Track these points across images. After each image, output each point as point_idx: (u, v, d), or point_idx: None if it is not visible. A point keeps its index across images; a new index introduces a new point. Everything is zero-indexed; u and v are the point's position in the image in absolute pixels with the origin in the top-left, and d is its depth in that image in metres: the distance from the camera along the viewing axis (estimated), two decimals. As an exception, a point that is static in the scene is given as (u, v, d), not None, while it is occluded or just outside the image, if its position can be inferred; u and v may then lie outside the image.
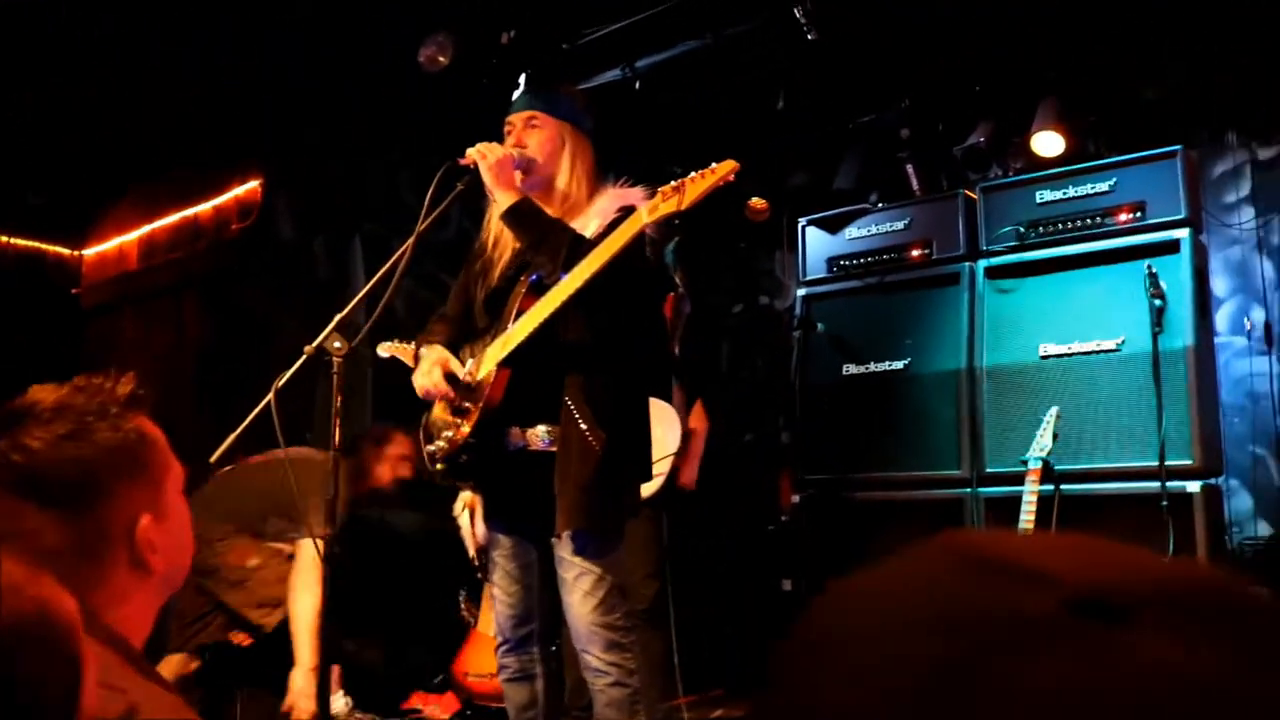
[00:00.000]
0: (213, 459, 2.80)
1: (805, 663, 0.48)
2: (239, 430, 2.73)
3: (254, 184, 4.96)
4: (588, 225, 2.83)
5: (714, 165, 2.61)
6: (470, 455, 2.80)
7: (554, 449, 2.74)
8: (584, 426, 2.70)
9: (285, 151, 5.05)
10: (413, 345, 4.19)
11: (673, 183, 2.63)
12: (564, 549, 2.73)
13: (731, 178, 2.60)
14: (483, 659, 4.74)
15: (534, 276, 2.83)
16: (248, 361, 4.58)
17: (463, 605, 4.95)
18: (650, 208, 2.63)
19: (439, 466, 2.87)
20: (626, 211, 2.75)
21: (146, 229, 5.40)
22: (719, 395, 6.30)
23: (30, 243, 5.67)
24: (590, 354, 2.76)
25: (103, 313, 5.59)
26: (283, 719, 3.65)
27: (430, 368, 2.84)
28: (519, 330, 2.75)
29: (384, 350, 4.35)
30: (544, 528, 2.77)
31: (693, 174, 2.62)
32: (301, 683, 3.65)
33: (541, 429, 2.77)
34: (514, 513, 2.88)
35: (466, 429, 2.78)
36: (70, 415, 1.33)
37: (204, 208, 5.14)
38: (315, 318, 2.81)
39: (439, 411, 2.91)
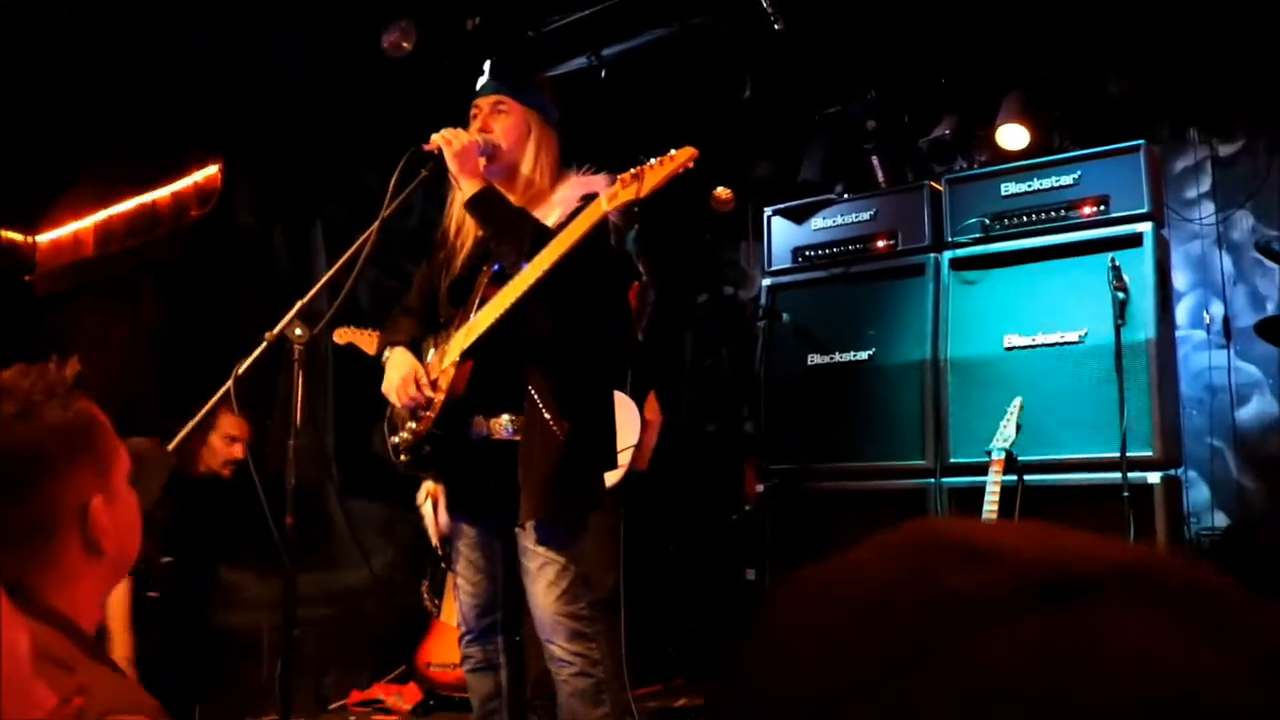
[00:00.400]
0: (171, 446, 2.76)
1: (759, 652, 0.47)
2: (198, 417, 2.69)
3: (213, 170, 4.88)
4: (550, 214, 2.81)
5: (672, 152, 2.60)
6: (433, 446, 2.78)
7: (518, 438, 2.72)
8: (547, 416, 2.69)
9: (245, 137, 4.98)
10: (371, 332, 4.17)
11: (632, 170, 2.62)
12: (528, 539, 2.72)
13: (691, 164, 2.59)
14: (445, 649, 4.71)
15: (496, 266, 2.80)
16: (206, 350, 4.51)
17: (425, 596, 4.92)
18: (610, 195, 2.62)
19: (403, 458, 2.85)
20: (588, 199, 2.74)
21: (103, 215, 5.30)
22: (679, 386, 6.31)
23: (-18, 227, 5.56)
24: (553, 344, 2.74)
25: (58, 301, 5.49)
26: None
27: (401, 382, 2.80)
28: (481, 320, 2.73)
29: (340, 337, 4.29)
30: (508, 517, 2.75)
31: (651, 161, 2.61)
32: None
33: (505, 418, 2.75)
34: (478, 502, 2.86)
35: (430, 419, 2.76)
36: (17, 396, 1.31)
37: (162, 194, 5.06)
38: (275, 306, 2.77)
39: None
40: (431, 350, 2.85)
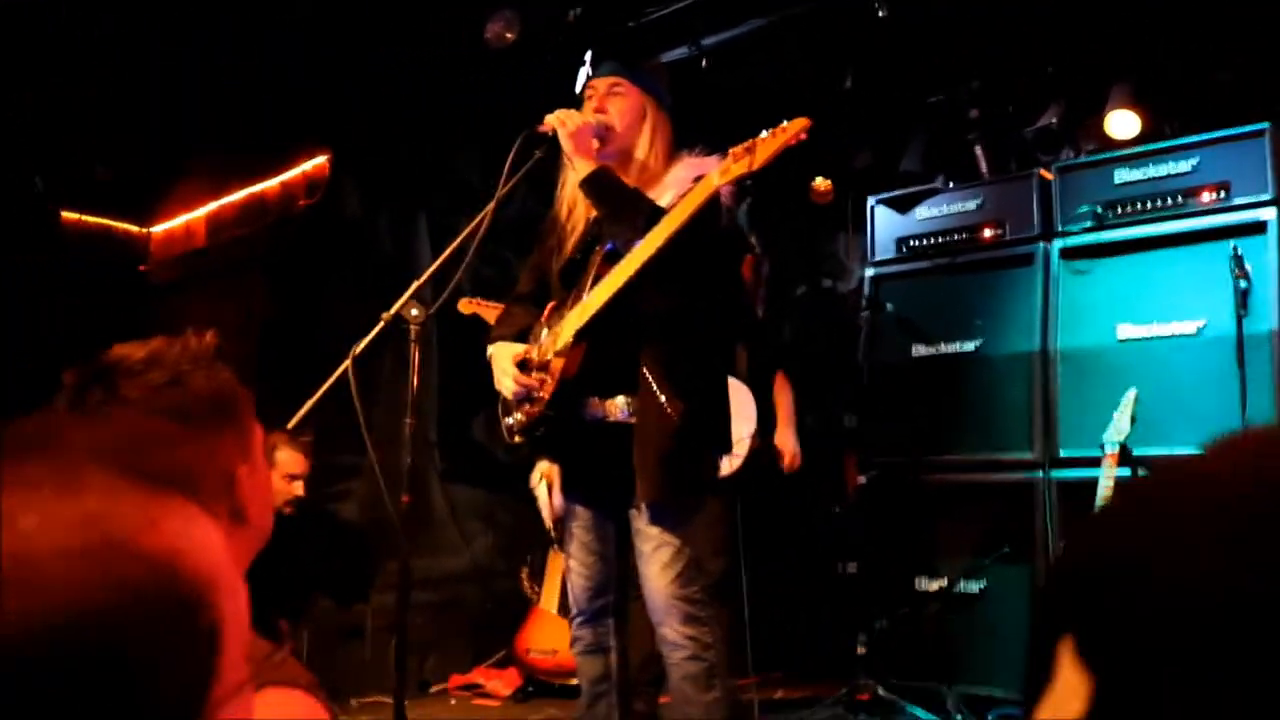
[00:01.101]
0: (290, 425, 2.81)
1: (1135, 552, 0.46)
2: (316, 396, 2.74)
3: (322, 160, 4.97)
4: (663, 195, 2.79)
5: (784, 123, 2.56)
6: (548, 428, 2.78)
7: (633, 420, 2.72)
8: (662, 398, 2.67)
9: (352, 128, 5.06)
10: (497, 304, 4.20)
11: (744, 143, 2.59)
12: (642, 520, 2.71)
13: (804, 135, 2.55)
14: (545, 635, 4.74)
15: (609, 246, 2.80)
16: (312, 339, 4.60)
17: (525, 582, 4.96)
18: (722, 170, 2.59)
19: (517, 439, 2.86)
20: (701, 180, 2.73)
21: (214, 206, 5.43)
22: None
23: (98, 219, 5.73)
24: (668, 323, 2.72)
25: (170, 290, 5.64)
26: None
27: (505, 376, 2.83)
28: (594, 300, 2.72)
29: (465, 307, 4.34)
30: (622, 499, 2.74)
31: (764, 133, 2.58)
32: None
33: (620, 400, 2.74)
34: (592, 484, 2.85)
35: (544, 402, 2.76)
36: (165, 365, 1.31)
37: (271, 184, 5.16)
38: (379, 295, 2.81)
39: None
40: (545, 332, 2.85)
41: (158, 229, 5.79)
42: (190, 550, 0.71)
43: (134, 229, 5.83)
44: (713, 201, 2.61)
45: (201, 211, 5.51)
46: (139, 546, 0.66)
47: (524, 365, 2.84)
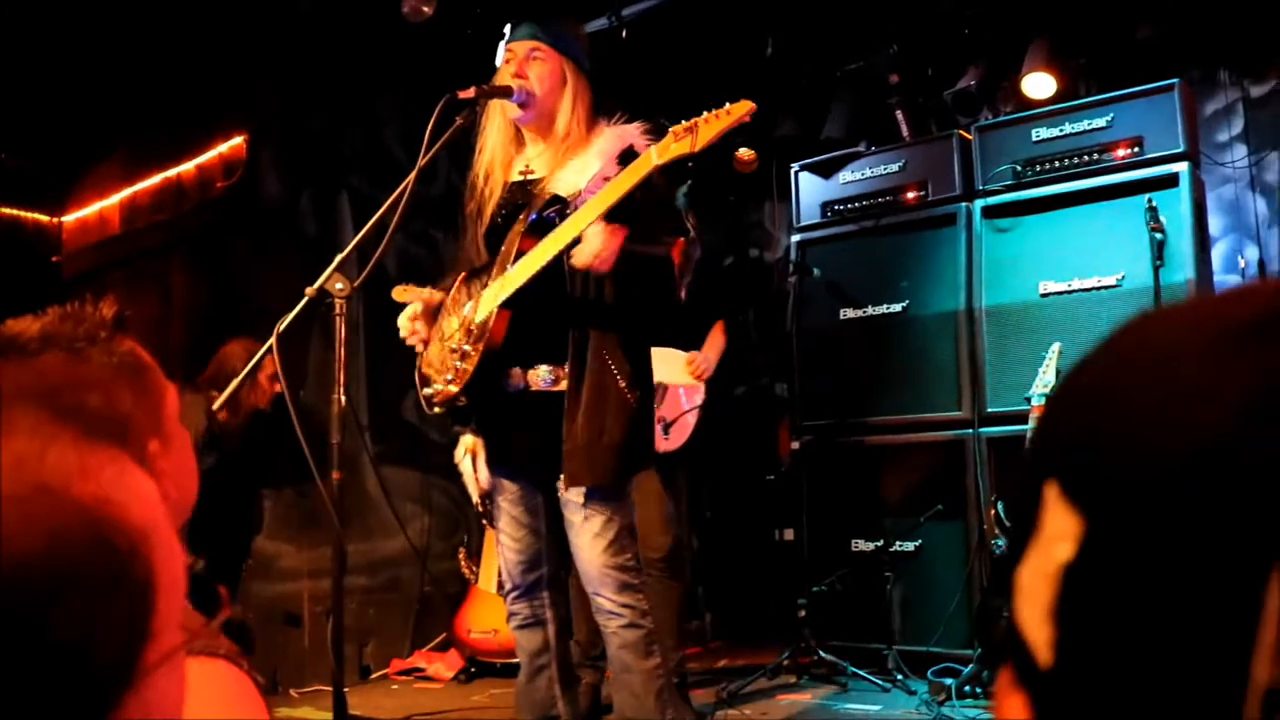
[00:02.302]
0: (215, 407, 2.75)
1: (1117, 385, 0.46)
2: (240, 376, 2.69)
3: (238, 141, 4.86)
4: (589, 165, 2.76)
5: (728, 105, 2.54)
6: (470, 397, 2.74)
7: (556, 389, 2.70)
8: (622, 384, 2.67)
9: (269, 107, 4.96)
10: (433, 290, 4.14)
11: (684, 123, 2.56)
12: (571, 492, 2.69)
13: (748, 118, 2.53)
14: (485, 615, 4.71)
15: (533, 216, 2.77)
16: (237, 321, 4.50)
17: (463, 562, 4.92)
18: (661, 149, 2.56)
19: (437, 410, 2.82)
20: (628, 155, 2.71)
21: (128, 192, 5.29)
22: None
23: (8, 210, 5.56)
24: (621, 303, 2.71)
25: (86, 280, 5.49)
26: None
27: (405, 317, 2.85)
28: (519, 273, 2.69)
29: (400, 295, 4.26)
30: (550, 471, 2.72)
31: (706, 114, 2.55)
32: None
33: (543, 369, 2.72)
34: (519, 456, 2.82)
35: (467, 371, 2.73)
36: (60, 343, 1.25)
37: (187, 167, 5.04)
38: (304, 276, 2.75)
39: (435, 353, 2.85)
40: (468, 302, 2.82)
41: (70, 218, 5.63)
42: (125, 500, 0.68)
43: (45, 218, 5.67)
44: (648, 179, 2.59)
45: (115, 198, 5.37)
46: (71, 493, 0.63)
47: (443, 336, 2.81)
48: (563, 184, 2.75)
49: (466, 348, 2.75)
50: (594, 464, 2.64)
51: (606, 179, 2.67)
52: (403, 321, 2.85)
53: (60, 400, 0.84)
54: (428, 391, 2.84)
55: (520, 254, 2.70)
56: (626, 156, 2.75)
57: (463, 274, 2.89)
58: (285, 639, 4.74)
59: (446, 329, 2.84)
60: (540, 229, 2.71)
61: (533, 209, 2.76)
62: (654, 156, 2.56)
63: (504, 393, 2.75)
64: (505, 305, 2.69)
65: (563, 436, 2.66)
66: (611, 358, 2.68)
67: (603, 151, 2.77)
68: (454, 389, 2.75)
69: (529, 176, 2.85)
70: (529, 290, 2.67)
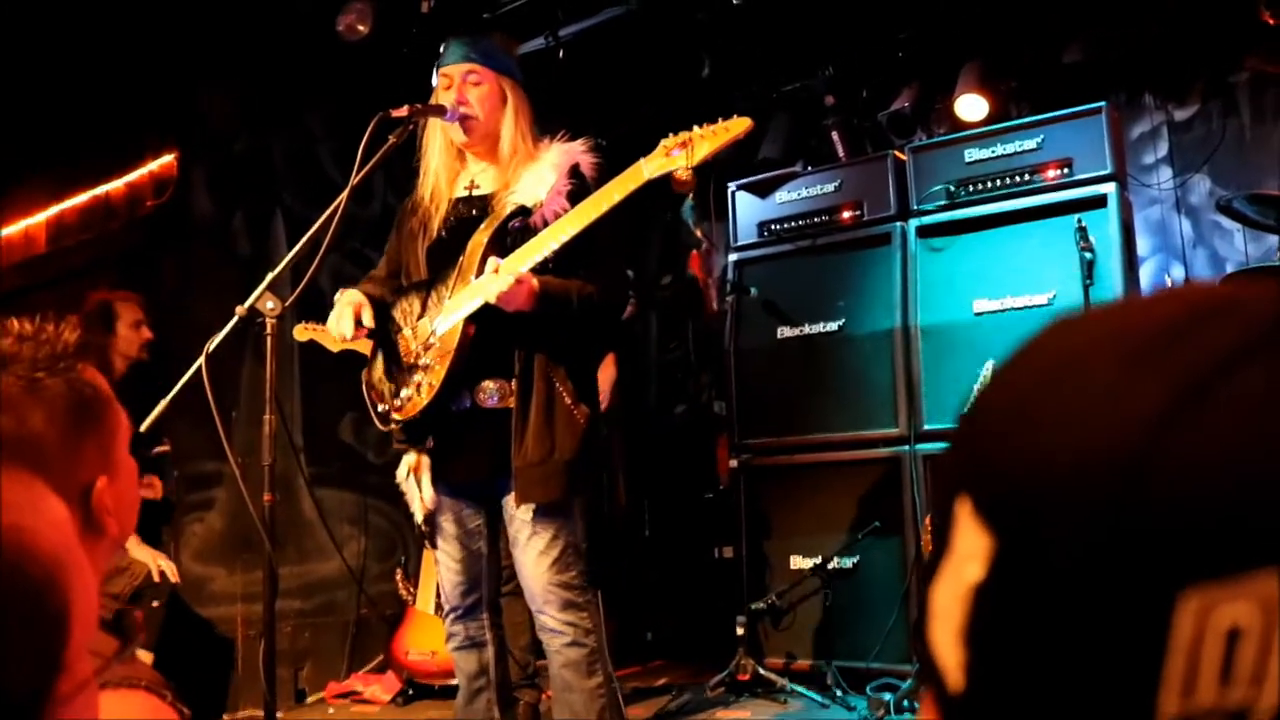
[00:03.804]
0: (142, 428, 2.69)
1: (1027, 398, 0.44)
2: (169, 397, 2.63)
3: (169, 159, 4.79)
4: (543, 177, 2.76)
5: (725, 122, 2.56)
6: (430, 414, 2.71)
7: (503, 405, 2.68)
8: (568, 401, 2.66)
9: (201, 125, 4.89)
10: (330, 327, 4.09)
11: (678, 137, 2.57)
12: (518, 509, 2.67)
13: (743, 136, 2.56)
14: (422, 637, 4.66)
15: (513, 224, 2.73)
16: (169, 341, 4.42)
17: (400, 584, 4.86)
18: (651, 162, 2.57)
19: (394, 426, 2.77)
20: (575, 169, 2.73)
21: (55, 210, 5.19)
22: (646, 368, 6.29)
23: (-72, 228, 5.43)
24: (575, 314, 2.70)
25: (12, 299, 5.37)
26: None
27: (344, 308, 2.74)
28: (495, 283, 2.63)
29: (301, 334, 4.22)
30: (495, 489, 2.71)
31: (700, 129, 2.57)
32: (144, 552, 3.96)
33: (489, 385, 2.71)
34: (464, 474, 2.80)
35: (433, 385, 2.68)
36: (18, 369, 1.16)
37: (116, 185, 4.95)
38: (237, 295, 2.70)
39: (386, 369, 2.82)
40: (411, 314, 2.79)
41: (-6, 236, 5.51)
42: (37, 528, 0.65)
43: (-32, 237, 5.54)
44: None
45: (41, 216, 5.26)
46: None
47: (393, 351, 2.78)
48: (521, 196, 2.75)
49: (427, 361, 2.71)
50: (545, 480, 2.63)
51: (564, 192, 2.69)
52: (346, 319, 2.73)
53: None
54: (383, 407, 2.80)
55: (483, 266, 2.66)
56: (575, 173, 2.76)
57: (407, 288, 2.85)
58: (219, 663, 4.65)
59: (402, 344, 2.81)
60: (507, 238, 2.70)
61: (496, 220, 2.74)
62: (644, 171, 2.56)
63: (448, 411, 2.73)
64: (473, 319, 2.66)
65: (511, 454, 2.64)
66: (556, 375, 2.67)
67: (555, 165, 2.79)
68: (421, 402, 2.70)
69: (475, 192, 2.84)
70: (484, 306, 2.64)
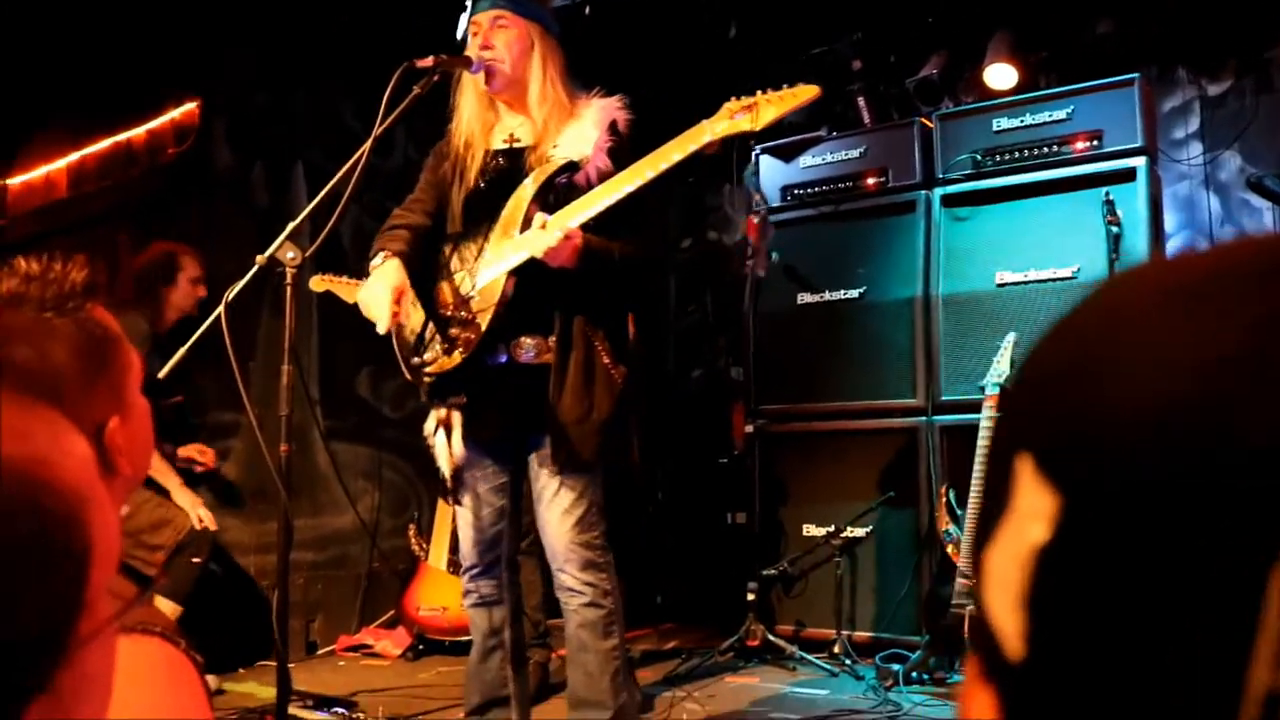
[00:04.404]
0: (161, 375, 2.69)
1: (1090, 348, 0.42)
2: (188, 345, 2.62)
3: (190, 107, 4.76)
4: (586, 133, 2.73)
5: (791, 88, 2.54)
6: (465, 368, 2.68)
7: (539, 362, 2.66)
8: (607, 360, 2.64)
9: (223, 74, 4.86)
10: (350, 280, 4.07)
11: (743, 100, 2.55)
12: (545, 464, 2.65)
13: (809, 103, 2.53)
14: (434, 593, 4.68)
15: (562, 179, 2.69)
16: (186, 292, 4.41)
17: (413, 539, 4.88)
18: (715, 123, 2.55)
19: (427, 379, 2.74)
20: (614, 126, 2.70)
21: (76, 156, 5.17)
22: (664, 331, 6.27)
23: (-51, 172, 5.42)
24: (617, 272, 2.67)
25: (32, 244, 5.36)
26: None
27: (391, 294, 2.58)
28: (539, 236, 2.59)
29: (317, 284, 4.21)
30: (525, 445, 2.69)
31: (766, 93, 2.54)
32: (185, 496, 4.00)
33: (527, 341, 2.68)
34: (496, 430, 2.76)
35: (472, 340, 2.65)
36: (26, 309, 1.15)
37: (137, 132, 4.93)
38: (256, 246, 2.68)
39: (423, 320, 2.78)
40: (453, 269, 2.75)
41: (15, 181, 5.50)
42: (60, 462, 0.64)
43: (-11, 181, 5.53)
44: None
45: (63, 162, 5.24)
46: (3, 454, 0.60)
47: (433, 302, 2.75)
48: (566, 151, 2.72)
49: (465, 314, 2.68)
50: (581, 439, 2.60)
51: (605, 148, 2.66)
52: (384, 306, 2.57)
53: None
54: (416, 360, 2.76)
55: (528, 220, 2.63)
56: (614, 129, 2.74)
57: (444, 238, 2.81)
58: (235, 614, 4.68)
59: (438, 296, 2.77)
60: (551, 194, 2.67)
61: (543, 175, 2.70)
62: (707, 131, 2.54)
63: (485, 365, 2.70)
64: (516, 271, 2.63)
65: (545, 410, 2.62)
66: (595, 335, 2.65)
67: (597, 121, 2.75)
68: (458, 357, 2.67)
69: (516, 145, 2.81)
70: (528, 260, 2.61)
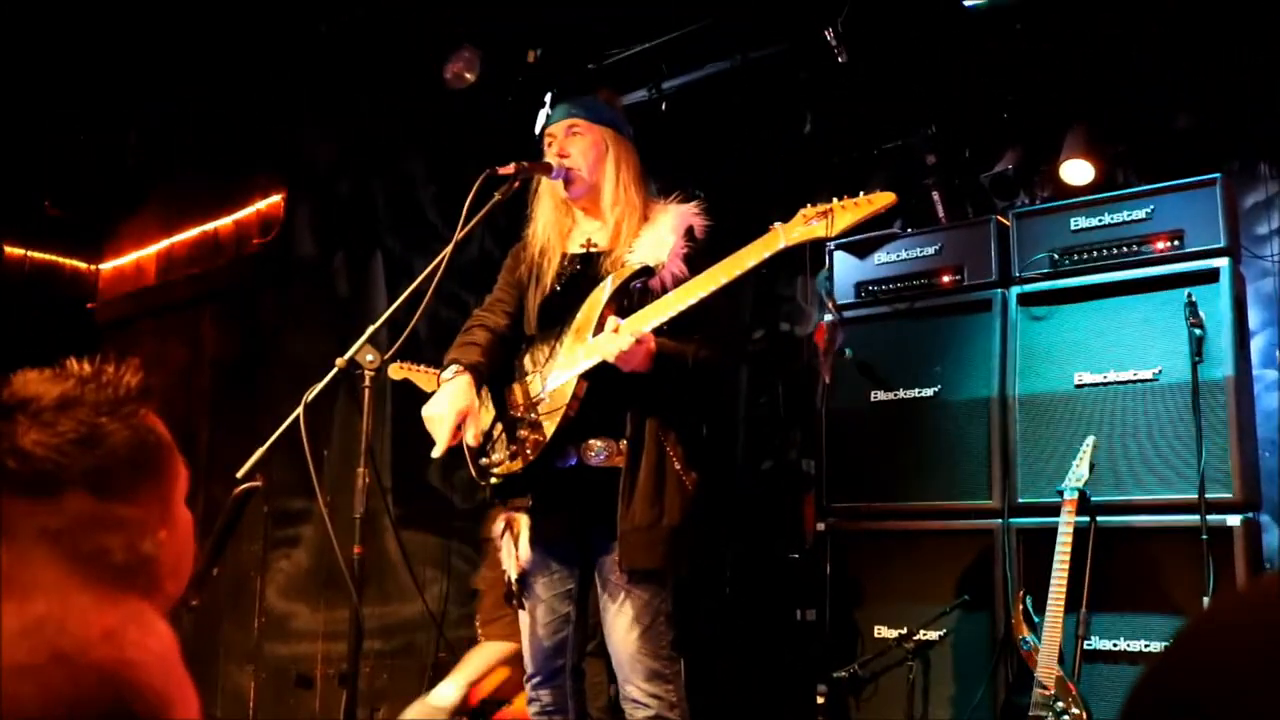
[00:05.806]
0: (239, 474, 2.72)
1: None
2: (268, 444, 2.65)
3: (276, 198, 4.91)
4: (662, 239, 2.75)
5: (867, 195, 2.56)
6: (534, 470, 2.69)
7: (609, 465, 2.65)
8: (678, 466, 2.63)
9: (307, 166, 5.00)
10: (428, 370, 4.12)
11: (818, 206, 2.57)
12: (614, 572, 2.63)
13: (884, 210, 2.55)
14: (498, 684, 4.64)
15: (636, 284, 2.72)
16: (266, 378, 4.51)
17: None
18: (788, 230, 2.57)
19: (493, 481, 2.76)
20: (690, 232, 2.73)
21: (165, 243, 5.34)
22: (735, 423, 6.24)
23: (47, 255, 5.62)
24: (690, 376, 2.68)
25: (119, 327, 5.52)
26: None
27: (448, 414, 2.64)
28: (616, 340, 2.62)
29: (396, 373, 4.26)
30: (591, 549, 2.68)
31: (843, 199, 2.56)
32: None
33: (597, 444, 2.68)
34: (561, 533, 2.76)
35: (540, 442, 2.66)
36: (78, 413, 1.11)
37: (224, 222, 5.09)
38: (334, 335, 2.73)
39: (493, 421, 2.80)
40: (525, 371, 2.78)
41: (107, 266, 5.68)
42: (145, 661, 0.64)
43: (82, 265, 5.72)
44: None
45: (152, 249, 5.42)
46: (90, 659, 0.60)
47: (503, 404, 2.77)
48: (642, 256, 2.74)
49: (535, 417, 2.70)
50: (650, 546, 2.58)
51: (681, 255, 2.68)
52: (445, 429, 2.64)
53: (81, 546, 0.79)
54: (485, 462, 2.78)
55: (601, 324, 2.65)
56: (690, 235, 2.76)
57: (527, 342, 2.85)
58: (297, 700, 4.69)
59: (509, 397, 2.79)
60: (625, 298, 2.69)
61: (619, 279, 2.72)
62: (781, 238, 2.56)
63: (553, 468, 2.71)
64: (585, 376, 2.65)
65: (615, 516, 2.61)
66: (667, 439, 2.64)
67: (674, 226, 2.78)
68: (523, 460, 2.68)
69: (593, 250, 2.84)
70: (600, 364, 2.63)
